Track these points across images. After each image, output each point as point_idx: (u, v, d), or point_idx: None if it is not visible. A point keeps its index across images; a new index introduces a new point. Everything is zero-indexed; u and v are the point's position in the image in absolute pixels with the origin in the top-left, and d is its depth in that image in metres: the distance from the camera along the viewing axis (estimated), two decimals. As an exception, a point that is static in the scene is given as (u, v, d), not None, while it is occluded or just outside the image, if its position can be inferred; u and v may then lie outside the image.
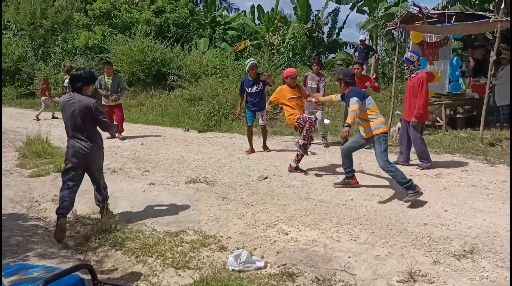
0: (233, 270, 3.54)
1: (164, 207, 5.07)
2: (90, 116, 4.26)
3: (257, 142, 8.46)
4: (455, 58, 10.25)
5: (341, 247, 3.84)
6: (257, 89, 7.62)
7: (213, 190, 5.62)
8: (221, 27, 18.58)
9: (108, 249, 4.13)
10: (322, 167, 6.61)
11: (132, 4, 19.78)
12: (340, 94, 5.61)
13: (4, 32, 19.63)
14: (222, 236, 4.24)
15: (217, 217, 4.71)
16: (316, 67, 8.00)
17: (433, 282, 3.16)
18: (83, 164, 4.40)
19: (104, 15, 18.92)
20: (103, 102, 9.47)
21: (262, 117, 7.81)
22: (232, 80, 12.84)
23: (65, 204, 4.33)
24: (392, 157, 6.57)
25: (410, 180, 4.84)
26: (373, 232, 4.09)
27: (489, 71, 7.43)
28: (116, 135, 9.37)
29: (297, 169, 6.32)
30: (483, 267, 3.32)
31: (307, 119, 6.15)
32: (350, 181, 5.48)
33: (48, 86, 13.89)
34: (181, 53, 15.99)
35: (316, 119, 7.84)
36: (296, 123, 6.24)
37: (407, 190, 4.79)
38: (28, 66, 17.65)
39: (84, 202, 5.33)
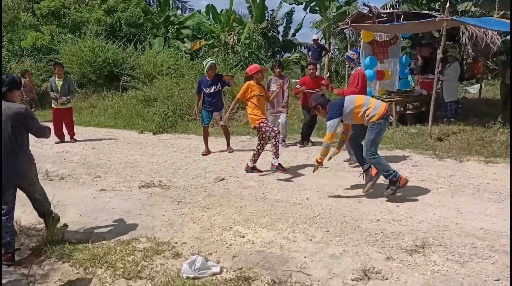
0: (187, 277, 3.43)
1: (116, 214, 4.86)
2: (22, 123, 3.82)
3: (214, 143, 8.37)
4: (404, 56, 10.62)
5: (297, 247, 3.83)
6: (215, 89, 7.59)
7: (167, 194, 5.47)
8: (175, 27, 18.27)
9: (54, 261, 3.91)
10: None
11: (82, 3, 19.06)
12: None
13: None
14: (176, 242, 4.12)
15: (172, 222, 4.58)
16: (278, 69, 8.02)
17: (387, 279, 3.20)
18: (14, 182, 3.89)
19: (53, 14, 18.10)
20: (52, 105, 9.09)
21: (221, 117, 7.75)
22: (188, 80, 12.64)
23: (8, 240, 3.82)
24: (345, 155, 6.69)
25: (393, 173, 4.75)
26: (328, 231, 4.11)
27: (436, 68, 7.72)
28: (71, 139, 9.18)
29: (254, 169, 6.27)
30: (434, 261, 3.41)
31: (274, 130, 6.01)
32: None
33: None
34: (134, 53, 15.59)
35: (279, 125, 7.97)
36: (258, 126, 6.08)
37: (388, 185, 4.82)
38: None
39: (30, 212, 5.01)
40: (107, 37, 16.22)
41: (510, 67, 9.36)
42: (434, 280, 3.14)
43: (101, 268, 3.68)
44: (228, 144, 7.89)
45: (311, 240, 3.95)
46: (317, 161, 5.07)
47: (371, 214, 4.48)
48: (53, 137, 8.57)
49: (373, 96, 9.43)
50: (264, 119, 6.13)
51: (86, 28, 16.17)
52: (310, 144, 8.15)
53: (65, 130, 9.30)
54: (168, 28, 18.19)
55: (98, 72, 14.72)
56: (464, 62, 12.15)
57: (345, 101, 4.94)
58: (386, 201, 4.83)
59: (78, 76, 14.97)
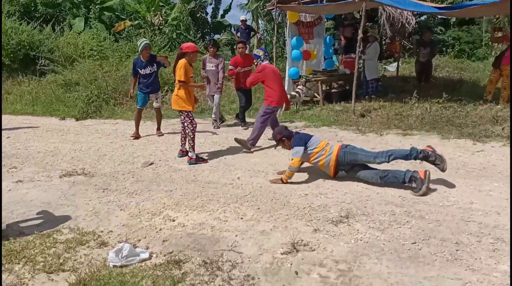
0: (114, 266, 3.30)
1: (34, 206, 4.54)
2: None
3: (142, 127, 8.08)
4: (328, 36, 10.93)
5: (228, 226, 3.84)
6: (150, 70, 7.40)
7: (92, 182, 5.21)
8: (97, 6, 17.22)
9: (-34, 260, 3.57)
10: (209, 149, 6.55)
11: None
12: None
13: None
14: (102, 231, 3.94)
15: (97, 211, 4.37)
16: (212, 49, 7.89)
17: (314, 250, 3.31)
18: None
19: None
20: None
21: (157, 99, 7.58)
22: (112, 62, 12.05)
23: None
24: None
25: (403, 175, 4.41)
26: (259, 208, 4.16)
27: (357, 48, 8.03)
28: None
29: (198, 160, 5.79)
30: (357, 230, 3.59)
31: (193, 124, 5.78)
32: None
33: None
34: (52, 35, 14.50)
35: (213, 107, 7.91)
36: (184, 112, 5.76)
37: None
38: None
39: None
40: (20, 17, 14.93)
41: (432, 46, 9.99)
42: (357, 247, 3.31)
43: (19, 263, 3.43)
44: (159, 128, 7.70)
45: (242, 218, 3.98)
46: (281, 180, 4.82)
47: (299, 189, 4.61)
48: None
49: (300, 76, 9.66)
50: (191, 112, 5.82)
51: (-5, 7, 14.72)
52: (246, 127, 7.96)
53: None
54: (90, 8, 17.10)
55: (12, 55, 13.54)
56: (383, 42, 12.76)
57: (311, 139, 4.86)
58: (314, 175, 4.99)
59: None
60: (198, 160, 5.78)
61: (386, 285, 2.79)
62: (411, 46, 13.46)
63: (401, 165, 5.02)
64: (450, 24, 14.88)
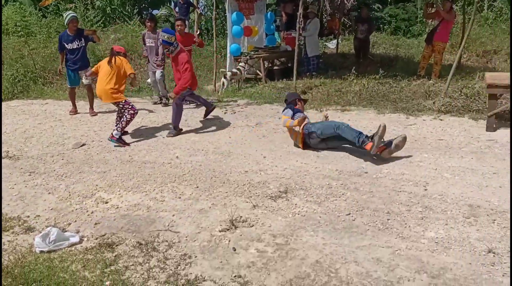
0: (41, 252, 3.10)
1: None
2: None
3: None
4: (269, 12, 10.81)
5: (165, 206, 3.72)
6: (78, 45, 6.95)
7: (17, 165, 4.85)
8: (20, -23, 15.84)
9: None
10: (147, 127, 6.30)
11: None
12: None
13: None
14: (28, 216, 3.69)
15: (22, 195, 4.08)
16: (150, 23, 7.49)
17: (253, 226, 3.29)
18: None
19: None
20: None
21: (86, 76, 7.05)
22: (40, 39, 11.20)
23: None
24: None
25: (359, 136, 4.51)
26: (198, 187, 4.07)
27: (297, 24, 8.01)
28: None
29: (119, 141, 5.49)
30: (295, 204, 3.61)
31: (133, 110, 5.60)
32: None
33: None
34: None
35: (155, 81, 7.55)
36: (121, 102, 5.60)
37: None
38: None
39: None
40: None
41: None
42: (295, 221, 3.33)
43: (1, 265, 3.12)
44: (91, 107, 7.27)
45: (180, 198, 3.87)
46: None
47: (239, 166, 4.56)
48: None
49: (241, 53, 9.52)
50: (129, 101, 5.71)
51: None
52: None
53: None
54: (12, -21, 15.69)
55: None
56: (324, 18, 12.87)
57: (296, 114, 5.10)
58: (255, 152, 4.95)
59: None
60: (120, 141, 5.49)
61: (321, 256, 2.83)
62: (350, 23, 13.70)
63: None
64: (387, 2, 15.29)
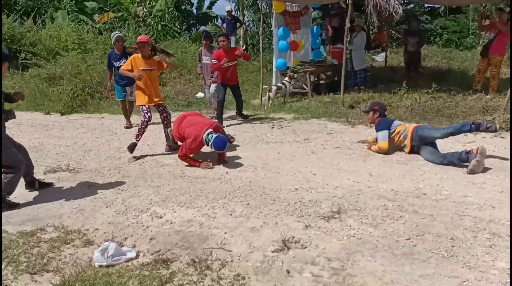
0: (100, 266, 3.19)
1: (19, 206, 4.38)
2: None
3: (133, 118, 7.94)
4: (315, 26, 10.80)
5: (217, 223, 3.74)
6: (125, 62, 7.20)
7: (77, 178, 5.06)
8: (79, -2, 16.81)
9: None
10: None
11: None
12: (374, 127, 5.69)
13: None
14: (88, 229, 3.81)
15: (82, 208, 4.23)
16: (204, 42, 7.70)
17: (306, 247, 3.24)
18: None
19: None
20: None
21: (131, 93, 7.44)
22: (96, 55, 11.76)
23: None
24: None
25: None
26: (248, 204, 4.07)
27: (345, 38, 7.93)
28: None
29: (131, 150, 5.73)
30: (350, 226, 3.52)
31: (147, 117, 5.78)
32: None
33: None
34: (34, 28, 14.11)
35: (211, 96, 7.73)
36: (141, 106, 5.85)
37: None
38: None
39: None
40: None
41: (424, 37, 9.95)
42: (350, 244, 3.24)
43: (1, 264, 3.29)
44: (128, 120, 7.80)
45: (231, 215, 3.88)
46: (369, 147, 5.55)
47: (289, 184, 4.52)
48: None
49: (287, 68, 9.53)
50: (146, 105, 5.83)
51: (-27, 0, 14.27)
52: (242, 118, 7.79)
53: None
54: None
55: (-9, 48, 13.14)
56: (371, 31, 12.69)
57: (393, 123, 5.48)
58: (304, 169, 4.91)
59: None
60: (131, 150, 5.74)
61: (381, 284, 2.73)
62: (399, 36, 13.40)
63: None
64: (437, 13, 14.86)
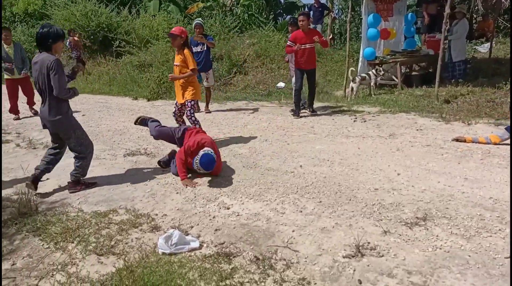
0: (163, 253, 3.12)
1: (97, 185, 4.54)
2: (47, 74, 3.99)
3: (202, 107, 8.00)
4: (410, 13, 9.94)
5: (285, 220, 3.49)
6: (201, 49, 7.63)
7: (153, 162, 5.14)
8: (170, -12, 17.46)
9: (25, 235, 3.62)
10: (273, 133, 6.20)
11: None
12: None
13: None
14: (157, 214, 3.80)
15: (154, 192, 4.25)
16: (290, 28, 7.71)
17: (383, 256, 2.86)
18: (45, 127, 4.33)
19: (44, -23, 17.34)
20: (5, 76, 8.20)
21: (207, 78, 7.80)
22: (184, 44, 12.08)
23: (38, 165, 4.43)
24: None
25: None
26: (321, 201, 3.76)
27: (444, 26, 7.14)
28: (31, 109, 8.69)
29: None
30: (437, 236, 3.05)
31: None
32: None
33: None
34: (129, 18, 14.95)
35: None
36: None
37: None
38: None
39: (9, 182, 4.76)
40: (99, 0, 15.55)
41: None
42: (436, 257, 2.79)
43: (72, 242, 3.38)
44: (207, 106, 8.02)
45: (301, 212, 3.61)
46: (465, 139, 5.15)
47: (368, 182, 4.12)
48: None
49: (376, 57, 8.90)
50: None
51: (78, -9, 15.49)
52: (309, 111, 7.33)
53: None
54: (163, -11, 17.38)
55: (92, 37, 14.19)
56: (474, 20, 11.42)
57: None
58: (387, 168, 4.45)
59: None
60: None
61: (472, 310, 2.29)
62: (507, 25, 11.91)
63: None
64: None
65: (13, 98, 8.32)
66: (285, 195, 3.94)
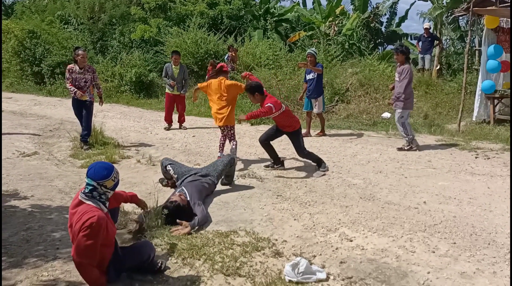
0: (289, 281, 3.09)
1: (214, 204, 4.69)
2: None
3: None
4: (538, 45, 9.09)
5: (417, 259, 3.27)
6: (312, 76, 7.97)
7: (266, 186, 5.20)
8: (274, 18, 18.09)
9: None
10: (387, 165, 5.97)
11: (186, -4, 19.78)
12: None
13: (66, 26, 20.24)
14: (276, 240, 3.80)
15: (271, 217, 4.27)
16: (396, 57, 7.08)
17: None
18: None
19: (160, 7, 19.01)
20: (167, 90, 9.57)
21: (315, 105, 8.11)
22: (286, 71, 12.35)
23: None
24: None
25: None
26: (455, 243, 3.48)
27: None
28: (180, 126, 9.65)
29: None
30: None
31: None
32: None
33: None
34: (235, 45, 15.71)
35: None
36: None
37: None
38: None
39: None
40: (209, 29, 16.57)
41: None
42: None
43: (199, 260, 3.49)
44: (322, 129, 8.31)
45: (433, 252, 3.36)
46: None
47: (507, 226, 3.73)
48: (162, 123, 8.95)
49: (496, 91, 8.25)
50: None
51: (190, 20, 16.66)
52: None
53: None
54: (267, 19, 18.07)
55: (200, 63, 15.09)
56: None
57: None
58: (526, 212, 4.01)
59: (182, 67, 15.53)
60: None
61: None
62: None
63: None
64: None
65: (168, 111, 9.52)
66: (412, 232, 3.72)
